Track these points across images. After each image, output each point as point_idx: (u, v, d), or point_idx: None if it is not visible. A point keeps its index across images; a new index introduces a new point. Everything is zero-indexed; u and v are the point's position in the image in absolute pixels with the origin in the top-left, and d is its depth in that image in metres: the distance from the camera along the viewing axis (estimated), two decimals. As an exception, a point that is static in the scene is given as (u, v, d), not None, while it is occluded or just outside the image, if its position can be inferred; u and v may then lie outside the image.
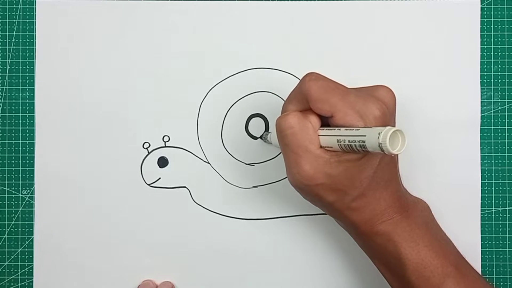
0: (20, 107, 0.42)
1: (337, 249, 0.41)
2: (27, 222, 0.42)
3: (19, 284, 0.41)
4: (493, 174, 0.41)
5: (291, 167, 0.31)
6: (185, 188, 0.42)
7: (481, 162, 0.41)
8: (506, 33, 0.41)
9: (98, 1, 0.42)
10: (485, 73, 0.41)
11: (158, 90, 0.42)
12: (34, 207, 0.42)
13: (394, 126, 0.34)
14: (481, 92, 0.41)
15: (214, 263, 0.41)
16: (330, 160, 0.30)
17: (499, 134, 0.41)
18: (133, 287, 0.41)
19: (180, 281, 0.41)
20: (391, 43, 0.41)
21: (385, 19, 0.41)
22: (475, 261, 0.40)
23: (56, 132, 0.42)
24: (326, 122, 0.32)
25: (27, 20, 0.42)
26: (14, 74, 0.42)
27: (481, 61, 0.41)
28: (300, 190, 0.33)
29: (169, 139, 0.42)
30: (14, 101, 0.42)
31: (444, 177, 0.41)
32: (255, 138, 0.42)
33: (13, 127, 0.42)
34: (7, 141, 0.42)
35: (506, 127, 0.41)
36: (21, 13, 0.42)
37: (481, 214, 0.41)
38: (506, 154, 0.41)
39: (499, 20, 0.41)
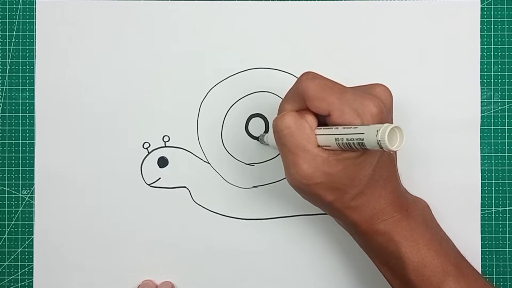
0: (20, 107, 0.42)
1: (337, 249, 0.41)
2: (27, 222, 0.42)
3: (19, 284, 0.41)
4: (493, 174, 0.41)
5: (289, 167, 0.31)
6: (185, 188, 0.42)
7: (481, 162, 0.41)
8: (506, 33, 0.41)
9: (98, 1, 0.42)
10: (485, 73, 0.41)
11: (158, 90, 0.42)
12: (34, 207, 0.42)
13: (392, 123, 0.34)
14: (481, 92, 0.41)
15: (214, 263, 0.41)
16: (329, 158, 0.30)
17: (499, 134, 0.41)
18: (133, 287, 0.41)
19: (180, 281, 0.41)
20: (391, 43, 0.41)
21: (385, 19, 0.41)
22: (475, 261, 0.40)
23: (56, 132, 0.42)
24: (323, 121, 0.32)
25: (27, 20, 0.42)
26: (14, 74, 0.42)
27: (481, 61, 0.41)
28: (299, 190, 0.33)
29: (169, 139, 0.42)
30: (14, 101, 0.42)
31: (444, 177, 0.41)
32: (255, 138, 0.42)
33: (13, 127, 0.42)
34: (7, 141, 0.42)
35: (506, 127, 0.41)
36: (21, 13, 0.42)
37: (481, 214, 0.41)
38: (506, 154, 0.41)
39: (499, 20, 0.41)
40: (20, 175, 0.42)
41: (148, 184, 0.41)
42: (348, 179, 0.31)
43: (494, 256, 0.41)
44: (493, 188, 0.41)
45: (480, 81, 0.41)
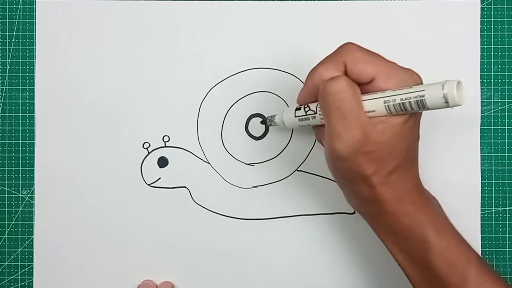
0: (20, 107, 0.42)
1: (337, 249, 0.41)
2: (27, 222, 0.42)
3: (19, 284, 0.41)
4: (493, 174, 0.41)
5: (342, 134, 0.30)
6: (185, 188, 0.42)
7: (481, 162, 0.41)
8: (506, 33, 0.41)
9: (98, 1, 0.42)
10: (485, 73, 0.41)
11: (158, 90, 0.42)
12: (34, 207, 0.42)
13: None
14: (481, 92, 0.41)
15: (214, 263, 0.41)
16: (378, 126, 0.30)
17: (499, 134, 0.41)
18: (133, 287, 0.41)
19: (180, 281, 0.41)
20: (391, 43, 0.41)
21: (385, 19, 0.41)
22: (475, 261, 0.40)
23: (56, 132, 0.42)
24: None
25: (27, 20, 0.42)
26: (14, 74, 0.42)
27: (481, 61, 0.41)
28: (344, 160, 0.31)
29: (169, 139, 0.42)
30: (14, 101, 0.42)
31: (444, 177, 0.41)
32: (255, 138, 0.42)
33: (13, 127, 0.42)
34: (7, 141, 0.42)
35: (506, 127, 0.41)
36: (21, 13, 0.42)
37: (481, 214, 0.41)
38: (506, 154, 0.41)
39: (499, 20, 0.41)
40: (20, 175, 0.42)
41: (148, 184, 0.41)
42: (390, 150, 0.30)
43: (494, 256, 0.41)
44: (493, 188, 0.41)
45: (480, 81, 0.41)
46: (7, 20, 0.42)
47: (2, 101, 0.42)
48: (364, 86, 0.31)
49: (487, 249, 0.41)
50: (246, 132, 0.42)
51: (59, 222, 0.41)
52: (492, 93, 0.41)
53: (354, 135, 0.30)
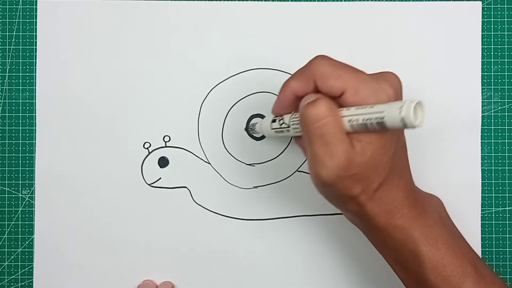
0: (20, 107, 0.42)
1: (338, 249, 0.41)
2: (27, 222, 0.42)
3: (19, 284, 0.41)
4: (493, 174, 0.41)
5: (325, 162, 0.29)
6: (186, 188, 0.42)
7: (481, 162, 0.41)
8: (506, 33, 0.41)
9: (98, 1, 0.42)
10: (485, 73, 0.41)
11: (158, 90, 0.42)
12: (34, 207, 0.42)
13: None
14: (481, 92, 0.41)
15: (214, 263, 0.41)
16: (356, 147, 0.29)
17: (499, 134, 0.41)
18: (133, 287, 0.41)
19: (180, 281, 0.41)
20: (391, 44, 0.41)
21: (386, 20, 0.41)
22: (475, 261, 0.40)
23: (56, 132, 0.42)
24: None
25: (27, 20, 0.42)
26: (14, 74, 0.42)
27: (481, 61, 0.41)
28: (329, 185, 0.30)
29: (169, 139, 0.42)
30: (14, 101, 0.42)
31: (444, 177, 0.41)
32: (256, 138, 0.42)
33: (13, 127, 0.42)
34: (7, 141, 0.42)
35: (506, 127, 0.41)
36: (21, 13, 0.42)
37: (481, 214, 0.41)
38: (506, 154, 0.41)
39: (499, 20, 0.41)
40: (20, 175, 0.42)
41: (149, 184, 0.41)
42: (374, 167, 0.30)
43: (494, 256, 0.41)
44: (493, 188, 0.41)
45: (481, 81, 0.41)
46: (7, 20, 0.42)
47: (2, 101, 0.42)
48: (336, 100, 0.30)
49: (487, 249, 0.41)
50: (247, 132, 0.42)
51: (59, 222, 0.41)
52: (492, 93, 0.41)
53: (337, 162, 0.29)
